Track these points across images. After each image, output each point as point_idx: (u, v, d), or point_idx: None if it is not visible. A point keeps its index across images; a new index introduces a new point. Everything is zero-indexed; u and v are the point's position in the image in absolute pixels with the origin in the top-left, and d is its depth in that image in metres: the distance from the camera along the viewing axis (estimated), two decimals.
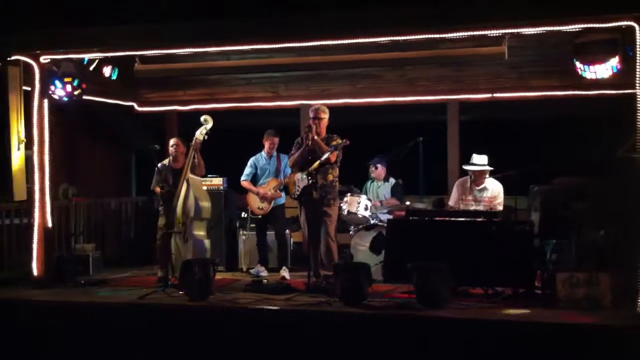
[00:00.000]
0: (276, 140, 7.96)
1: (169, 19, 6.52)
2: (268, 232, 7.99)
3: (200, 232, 7.04)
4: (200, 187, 7.19)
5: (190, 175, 7.05)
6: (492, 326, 5.25)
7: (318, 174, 6.73)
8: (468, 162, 7.34)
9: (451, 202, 7.43)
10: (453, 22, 6.06)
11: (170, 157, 7.38)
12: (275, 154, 7.98)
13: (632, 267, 5.35)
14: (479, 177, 7.22)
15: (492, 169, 7.23)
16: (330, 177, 6.85)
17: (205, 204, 7.10)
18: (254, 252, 8.06)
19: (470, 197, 7.26)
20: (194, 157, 7.08)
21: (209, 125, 7.10)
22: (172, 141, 7.46)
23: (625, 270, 5.46)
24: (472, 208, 7.17)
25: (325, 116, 6.92)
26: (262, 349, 5.54)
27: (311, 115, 6.92)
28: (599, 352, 4.87)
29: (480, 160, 7.23)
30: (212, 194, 8.19)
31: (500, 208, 7.18)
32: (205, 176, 8.25)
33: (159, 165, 7.25)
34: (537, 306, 5.65)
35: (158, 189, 7.21)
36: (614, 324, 5.07)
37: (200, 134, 7.06)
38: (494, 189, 7.20)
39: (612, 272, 5.55)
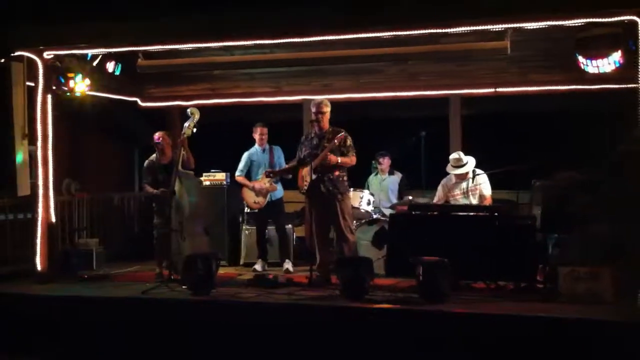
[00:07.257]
0: (265, 130, 7.86)
1: (171, 14, 6.53)
2: (269, 227, 7.97)
3: (196, 230, 6.90)
4: (192, 183, 7.00)
5: (181, 171, 6.88)
6: (494, 320, 5.24)
7: (324, 169, 6.70)
8: (450, 165, 7.39)
9: (435, 201, 7.47)
10: (455, 16, 6.06)
11: (157, 153, 7.25)
12: (267, 146, 7.89)
13: (634, 262, 5.35)
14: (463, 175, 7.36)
15: (472, 172, 7.28)
16: (337, 173, 6.74)
17: (199, 199, 6.97)
18: (256, 246, 8.07)
19: (457, 192, 7.34)
20: (183, 152, 6.88)
21: (196, 117, 6.90)
22: (156, 135, 7.25)
23: (627, 264, 5.46)
24: (463, 201, 7.25)
25: (327, 109, 6.88)
26: (263, 343, 5.56)
27: (313, 110, 6.89)
28: (600, 346, 4.87)
29: (463, 160, 7.27)
30: (216, 188, 8.22)
31: (488, 192, 7.26)
32: (208, 171, 8.28)
33: (147, 162, 7.22)
34: (539, 300, 5.66)
35: (149, 189, 7.17)
36: (615, 318, 5.06)
37: (187, 127, 6.87)
38: (476, 177, 7.26)
39: (614, 267, 5.55)
